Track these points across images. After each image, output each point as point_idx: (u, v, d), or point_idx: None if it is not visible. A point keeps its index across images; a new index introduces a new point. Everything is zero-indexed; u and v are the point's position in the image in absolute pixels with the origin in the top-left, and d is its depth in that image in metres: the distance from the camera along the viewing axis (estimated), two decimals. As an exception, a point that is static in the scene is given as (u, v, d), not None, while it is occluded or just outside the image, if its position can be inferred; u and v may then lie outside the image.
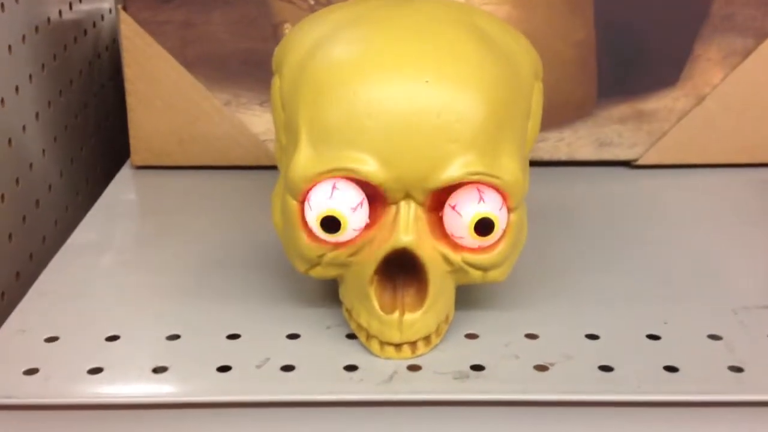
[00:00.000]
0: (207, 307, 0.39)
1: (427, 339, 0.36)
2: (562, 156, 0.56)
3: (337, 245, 0.35)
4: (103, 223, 0.48)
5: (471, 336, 0.37)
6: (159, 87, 0.53)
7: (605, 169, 0.55)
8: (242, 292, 0.40)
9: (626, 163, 0.56)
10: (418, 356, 0.35)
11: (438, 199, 0.34)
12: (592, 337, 0.37)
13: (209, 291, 0.41)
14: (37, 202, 0.53)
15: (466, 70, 0.34)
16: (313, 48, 0.36)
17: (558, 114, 0.54)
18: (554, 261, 0.43)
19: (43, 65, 0.54)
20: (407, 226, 0.34)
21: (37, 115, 0.53)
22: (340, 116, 0.33)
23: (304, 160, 0.34)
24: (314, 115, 0.34)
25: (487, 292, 0.39)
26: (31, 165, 0.52)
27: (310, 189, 0.34)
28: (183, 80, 0.54)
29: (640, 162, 0.56)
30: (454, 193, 0.34)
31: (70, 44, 0.58)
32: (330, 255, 0.35)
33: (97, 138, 0.64)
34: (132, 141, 0.55)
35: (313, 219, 0.34)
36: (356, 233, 0.34)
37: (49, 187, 0.55)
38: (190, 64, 0.54)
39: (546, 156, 0.56)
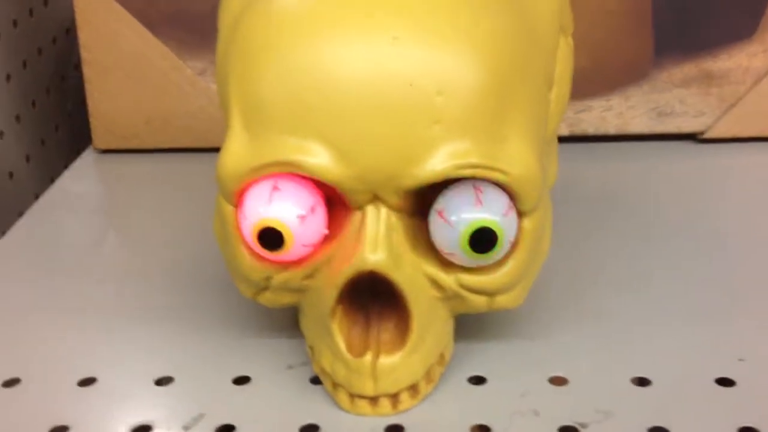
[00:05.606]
0: (138, 339, 0.34)
1: (413, 389, 0.29)
2: (611, 129, 0.52)
3: (286, 265, 0.29)
4: (46, 221, 0.44)
5: (475, 380, 0.31)
6: (120, 54, 0.50)
7: (665, 145, 0.52)
8: (187, 316, 0.35)
9: (691, 137, 0.52)
10: (401, 412, 0.29)
11: (420, 201, 0.28)
12: (642, 382, 0.31)
13: (146, 314, 0.35)
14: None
15: (454, 19, 0.27)
16: (253, -3, 0.30)
17: (605, 77, 0.51)
18: (591, 271, 0.38)
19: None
20: (375, 241, 0.27)
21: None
22: (277, 89, 0.27)
23: (235, 150, 0.28)
24: (246, 88, 0.28)
25: (498, 317, 0.34)
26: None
27: (245, 190, 0.28)
28: (148, 46, 0.50)
29: (708, 135, 0.52)
30: (442, 193, 0.28)
31: (38, 7, 0.55)
32: (278, 277, 0.29)
33: (79, 116, 0.60)
34: (92, 120, 0.52)
35: (249, 231, 0.28)
36: (308, 249, 0.28)
37: (10, 174, 0.52)
38: (156, 25, 0.51)
39: (590, 130, 0.52)
